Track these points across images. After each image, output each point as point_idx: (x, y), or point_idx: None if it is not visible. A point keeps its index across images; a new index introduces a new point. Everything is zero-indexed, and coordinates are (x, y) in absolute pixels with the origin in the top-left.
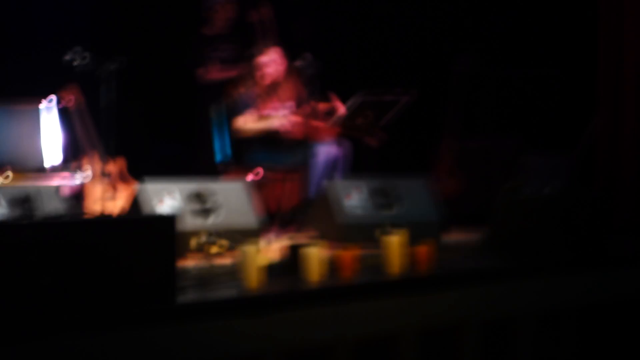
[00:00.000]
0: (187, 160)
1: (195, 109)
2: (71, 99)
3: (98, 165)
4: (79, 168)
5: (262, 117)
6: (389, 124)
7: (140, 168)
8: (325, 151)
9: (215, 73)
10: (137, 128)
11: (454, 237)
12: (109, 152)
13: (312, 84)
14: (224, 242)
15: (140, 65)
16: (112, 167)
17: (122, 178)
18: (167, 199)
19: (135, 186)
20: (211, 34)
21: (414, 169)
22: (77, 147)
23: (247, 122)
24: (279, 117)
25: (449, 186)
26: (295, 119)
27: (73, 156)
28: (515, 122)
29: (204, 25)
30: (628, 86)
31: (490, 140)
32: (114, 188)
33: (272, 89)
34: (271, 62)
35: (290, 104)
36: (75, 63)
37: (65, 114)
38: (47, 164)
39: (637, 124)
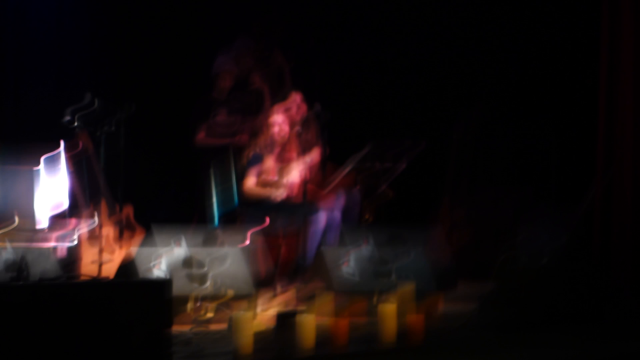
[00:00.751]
0: (193, 207)
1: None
2: (80, 146)
3: (105, 213)
4: (88, 215)
5: (264, 183)
6: (400, 171)
7: (148, 216)
8: (323, 218)
9: (209, 139)
10: (144, 176)
11: (462, 289)
12: (116, 200)
13: (321, 134)
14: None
15: (146, 116)
16: (126, 211)
17: (129, 225)
18: (163, 263)
19: (142, 233)
20: (214, 98)
21: (423, 220)
22: (85, 193)
23: (252, 188)
24: (278, 187)
25: (458, 237)
26: (294, 183)
27: (89, 200)
28: (524, 173)
29: (209, 89)
30: (626, 149)
31: (499, 190)
32: (128, 231)
33: (279, 151)
34: (280, 121)
35: (291, 165)
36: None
37: (73, 162)
38: (44, 224)
39: (635, 183)
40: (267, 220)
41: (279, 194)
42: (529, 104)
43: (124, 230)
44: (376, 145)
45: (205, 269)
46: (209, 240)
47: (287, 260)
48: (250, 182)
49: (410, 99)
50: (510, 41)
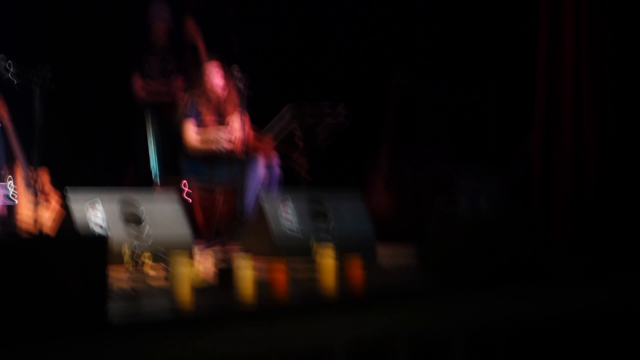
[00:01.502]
0: (119, 172)
1: (130, 121)
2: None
3: (22, 176)
4: (4, 179)
5: (205, 133)
6: (322, 137)
7: (70, 181)
8: (262, 166)
9: (149, 85)
10: (66, 139)
11: (388, 252)
12: (33, 163)
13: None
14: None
15: (69, 75)
16: (37, 178)
17: (46, 190)
18: (99, 207)
19: (62, 198)
20: (150, 44)
21: (347, 184)
22: (6, 154)
23: (192, 137)
24: (219, 137)
25: (381, 202)
26: (235, 137)
27: (3, 164)
28: (452, 136)
29: (145, 34)
30: (565, 102)
31: (426, 152)
32: (42, 198)
33: (215, 101)
34: (218, 73)
35: (230, 118)
36: (8, 68)
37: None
38: None
39: (574, 140)
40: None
41: (220, 146)
42: (464, 63)
43: (38, 195)
44: (295, 109)
45: (142, 211)
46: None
47: (224, 213)
48: (191, 133)
49: (336, 60)
50: None
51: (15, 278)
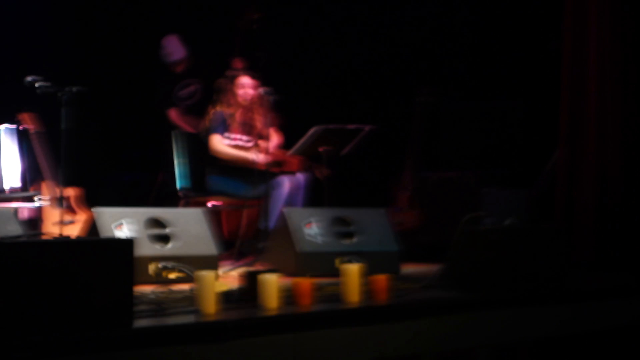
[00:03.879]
0: (147, 188)
1: (157, 137)
2: (30, 123)
3: (54, 191)
4: (37, 192)
5: (236, 147)
6: (350, 154)
7: (99, 196)
8: (287, 182)
9: (180, 118)
10: (96, 155)
11: (412, 269)
12: (66, 179)
13: (271, 115)
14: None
15: (101, 93)
16: (69, 193)
17: (79, 206)
18: (125, 224)
19: (92, 213)
20: (174, 74)
21: (374, 202)
22: (35, 171)
23: (223, 148)
24: (253, 149)
25: (408, 218)
26: (268, 152)
27: (32, 180)
28: (477, 155)
29: (170, 65)
30: (589, 122)
31: (451, 173)
32: (72, 213)
33: (245, 114)
34: (248, 84)
35: (259, 133)
36: (36, 85)
37: (24, 138)
38: (6, 186)
39: (598, 159)
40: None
41: (255, 156)
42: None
43: (65, 213)
44: (321, 131)
45: (168, 229)
46: None
47: (249, 231)
48: (218, 141)
49: (361, 83)
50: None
51: (40, 280)
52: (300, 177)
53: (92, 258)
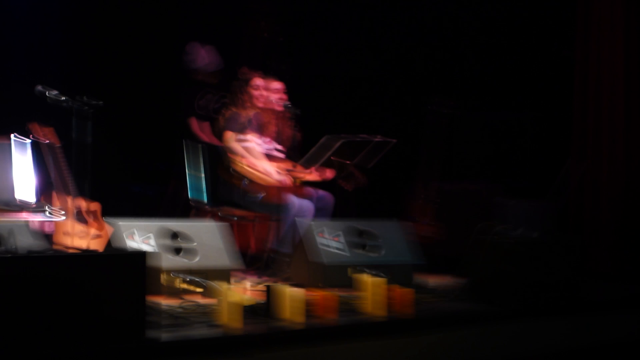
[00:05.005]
0: (158, 198)
1: (167, 148)
2: (45, 135)
3: (69, 203)
4: (51, 204)
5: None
6: (371, 166)
7: (115, 209)
8: (297, 206)
9: (199, 127)
10: (112, 168)
11: (431, 280)
12: (82, 192)
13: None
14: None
15: (116, 106)
16: (83, 205)
17: (96, 221)
18: (139, 236)
19: (109, 228)
20: (202, 83)
21: (392, 213)
22: (49, 183)
23: (236, 144)
24: (276, 170)
25: (426, 230)
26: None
27: (45, 192)
28: (490, 166)
29: (193, 73)
30: (602, 129)
31: (468, 184)
32: (97, 226)
33: (261, 117)
34: (262, 85)
35: (271, 141)
36: (48, 94)
37: (38, 150)
38: (19, 198)
39: (612, 170)
40: None
41: (281, 179)
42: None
43: (88, 226)
44: (333, 140)
45: (194, 243)
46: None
47: (261, 244)
48: (232, 138)
49: (379, 93)
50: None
51: (52, 295)
52: (327, 197)
53: (105, 271)
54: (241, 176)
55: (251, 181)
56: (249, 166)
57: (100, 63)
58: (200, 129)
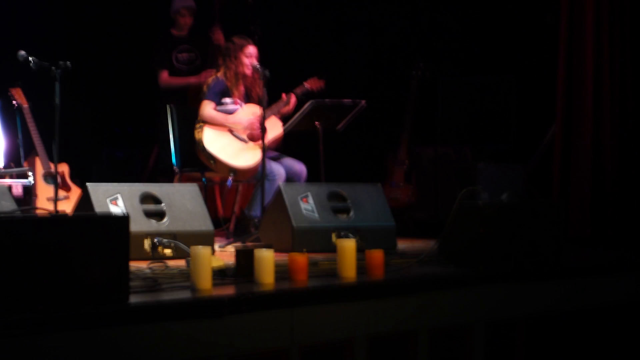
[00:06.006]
0: (141, 163)
1: (152, 113)
2: (22, 98)
3: (48, 167)
4: (30, 168)
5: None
6: (344, 129)
7: (90, 175)
8: (283, 174)
9: (174, 79)
10: (90, 131)
11: (407, 244)
12: (53, 158)
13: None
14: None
15: (90, 69)
16: (62, 169)
17: (65, 183)
18: (120, 199)
19: (81, 190)
20: (176, 36)
21: (369, 177)
22: (29, 146)
23: (212, 112)
24: (240, 119)
25: (403, 194)
26: (255, 125)
27: (25, 156)
28: (472, 130)
29: (170, 27)
30: (586, 98)
31: (446, 148)
32: (65, 189)
33: (245, 85)
34: (255, 54)
35: (240, 102)
36: (30, 59)
37: (18, 113)
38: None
39: (595, 134)
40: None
41: (243, 135)
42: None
43: (58, 189)
44: (317, 105)
45: (163, 205)
46: None
47: (243, 207)
48: (208, 107)
49: (357, 57)
50: None
51: (34, 257)
52: (301, 168)
53: (87, 234)
54: (210, 155)
55: (217, 162)
56: (223, 124)
57: (78, 25)
58: (171, 80)
